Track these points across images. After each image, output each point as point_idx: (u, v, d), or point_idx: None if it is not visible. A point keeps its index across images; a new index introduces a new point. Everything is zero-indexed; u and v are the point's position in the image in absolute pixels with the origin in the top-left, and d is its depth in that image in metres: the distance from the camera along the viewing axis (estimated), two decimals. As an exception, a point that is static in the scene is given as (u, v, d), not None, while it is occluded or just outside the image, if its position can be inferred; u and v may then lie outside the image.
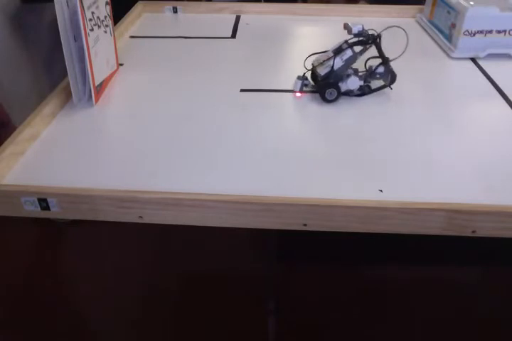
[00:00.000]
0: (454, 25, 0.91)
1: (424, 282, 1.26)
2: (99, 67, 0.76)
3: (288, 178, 0.59)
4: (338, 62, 0.74)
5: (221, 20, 1.13)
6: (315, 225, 0.55)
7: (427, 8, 1.07)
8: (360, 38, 0.74)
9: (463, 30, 0.88)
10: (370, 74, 0.76)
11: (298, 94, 0.79)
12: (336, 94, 0.75)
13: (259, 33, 1.06)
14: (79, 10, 0.66)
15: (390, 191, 0.57)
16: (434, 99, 0.78)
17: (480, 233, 0.55)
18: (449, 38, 0.94)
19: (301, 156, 0.63)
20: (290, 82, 0.82)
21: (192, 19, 1.14)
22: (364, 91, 0.78)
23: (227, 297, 1.22)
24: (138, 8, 1.15)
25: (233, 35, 1.04)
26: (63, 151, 0.65)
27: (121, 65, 0.90)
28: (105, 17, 0.79)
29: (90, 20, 0.71)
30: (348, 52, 0.73)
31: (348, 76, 0.74)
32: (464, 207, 0.53)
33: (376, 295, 1.22)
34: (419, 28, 1.09)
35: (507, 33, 0.88)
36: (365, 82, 0.77)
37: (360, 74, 0.76)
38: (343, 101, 0.77)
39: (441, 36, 0.98)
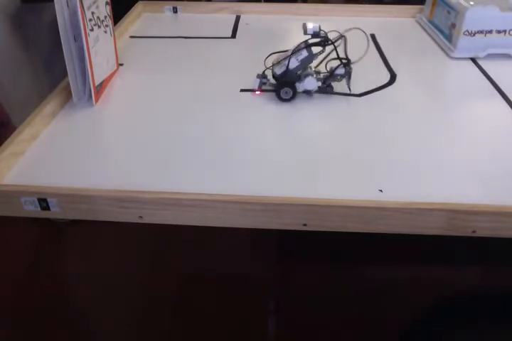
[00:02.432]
0: (454, 25, 0.91)
1: (424, 282, 1.26)
2: (99, 67, 0.76)
3: (288, 178, 0.59)
4: (294, 62, 0.74)
5: (221, 20, 1.13)
6: (315, 225, 0.55)
7: (427, 8, 1.07)
8: (320, 39, 0.74)
9: (463, 30, 0.88)
10: (330, 75, 0.76)
11: (257, 92, 0.79)
12: (291, 93, 0.75)
13: (259, 33, 1.06)
14: (79, 10, 0.66)
15: (390, 191, 0.57)
16: (433, 99, 0.78)
17: (480, 233, 0.55)
18: (449, 37, 0.94)
19: (302, 156, 0.63)
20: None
21: (192, 19, 1.14)
22: (326, 91, 0.78)
23: (227, 297, 1.22)
24: (138, 8, 1.15)
25: (233, 35, 1.04)
26: (63, 151, 0.65)
27: (121, 65, 0.90)
28: (105, 17, 0.79)
29: (90, 20, 0.71)
30: (304, 53, 0.73)
31: (306, 76, 0.75)
32: (463, 207, 0.53)
33: (376, 295, 1.22)
34: (419, 27, 1.09)
35: (507, 33, 0.88)
36: (324, 83, 0.77)
37: (321, 75, 0.77)
38: (346, 101, 0.77)
39: (441, 36, 0.98)
